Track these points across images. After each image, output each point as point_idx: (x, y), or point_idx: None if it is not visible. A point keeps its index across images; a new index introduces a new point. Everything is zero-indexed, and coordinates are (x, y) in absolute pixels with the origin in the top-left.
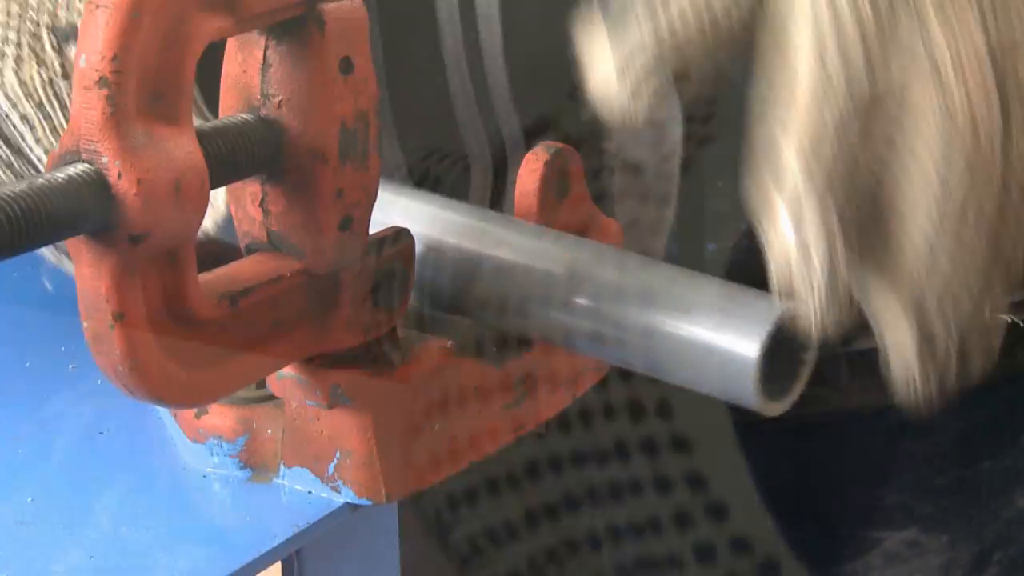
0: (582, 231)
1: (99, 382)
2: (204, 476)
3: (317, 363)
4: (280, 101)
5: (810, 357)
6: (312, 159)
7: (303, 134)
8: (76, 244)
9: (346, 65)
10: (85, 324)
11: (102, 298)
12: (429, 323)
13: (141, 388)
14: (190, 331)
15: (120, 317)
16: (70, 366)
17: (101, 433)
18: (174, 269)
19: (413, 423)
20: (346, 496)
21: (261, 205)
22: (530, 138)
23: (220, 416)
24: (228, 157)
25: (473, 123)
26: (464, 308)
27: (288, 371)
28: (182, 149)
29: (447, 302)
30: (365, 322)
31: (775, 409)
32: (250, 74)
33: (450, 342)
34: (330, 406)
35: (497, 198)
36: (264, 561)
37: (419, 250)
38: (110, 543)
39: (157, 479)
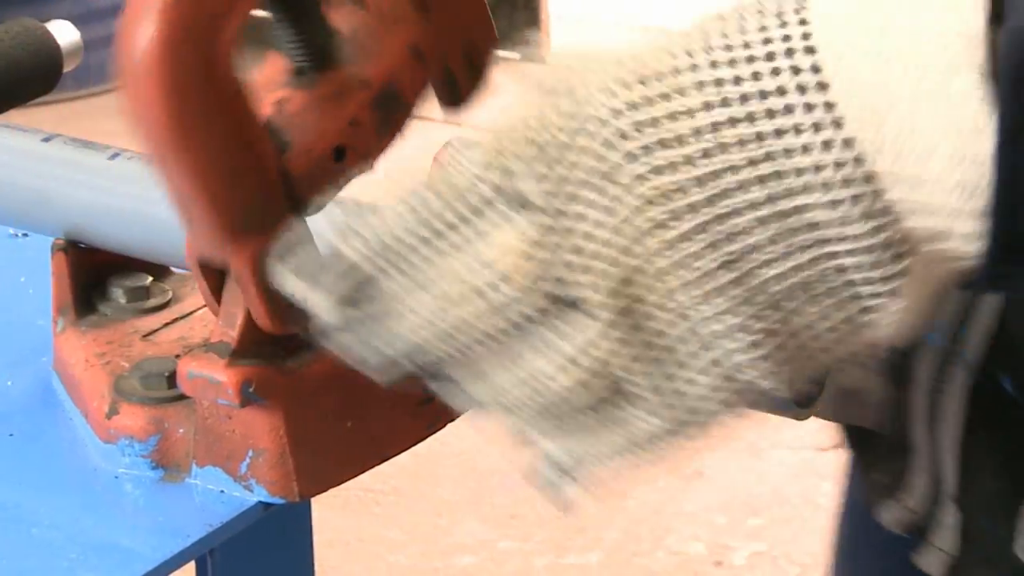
0: None
1: (9, 383)
2: (116, 477)
3: (228, 361)
4: None
5: None
6: None
7: None
8: None
9: None
10: None
11: None
12: None
13: None
14: None
15: None
16: None
17: (11, 435)
18: None
19: (325, 421)
20: (259, 495)
21: None
22: None
23: (131, 416)
24: None
25: None
26: None
27: (199, 370)
28: None
29: None
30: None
31: (806, 415)
32: None
33: None
34: (242, 405)
35: None
36: (177, 561)
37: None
38: (20, 546)
39: (68, 481)
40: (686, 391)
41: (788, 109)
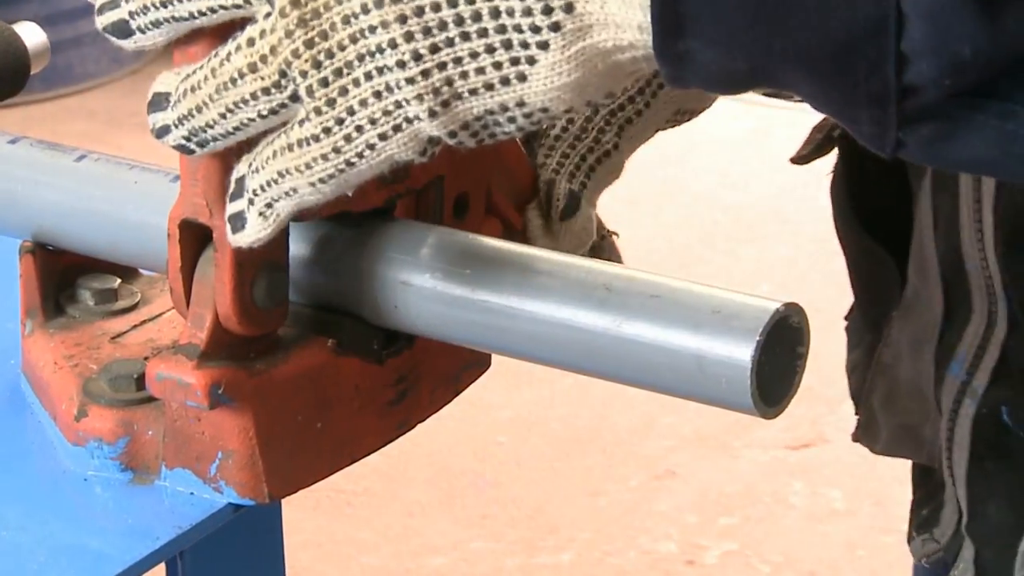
0: None
1: None
2: (85, 479)
3: (197, 363)
4: None
5: (806, 349)
6: None
7: None
8: None
9: None
10: None
11: None
12: (311, 321)
13: None
14: None
15: None
16: None
17: None
18: None
19: (295, 422)
20: (228, 496)
21: None
22: None
23: (100, 418)
24: None
25: None
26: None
27: (168, 372)
28: None
29: (330, 299)
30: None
31: (774, 413)
32: None
33: (331, 340)
34: (211, 407)
35: None
36: (147, 563)
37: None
38: None
39: (36, 484)
40: (342, 101)
41: None
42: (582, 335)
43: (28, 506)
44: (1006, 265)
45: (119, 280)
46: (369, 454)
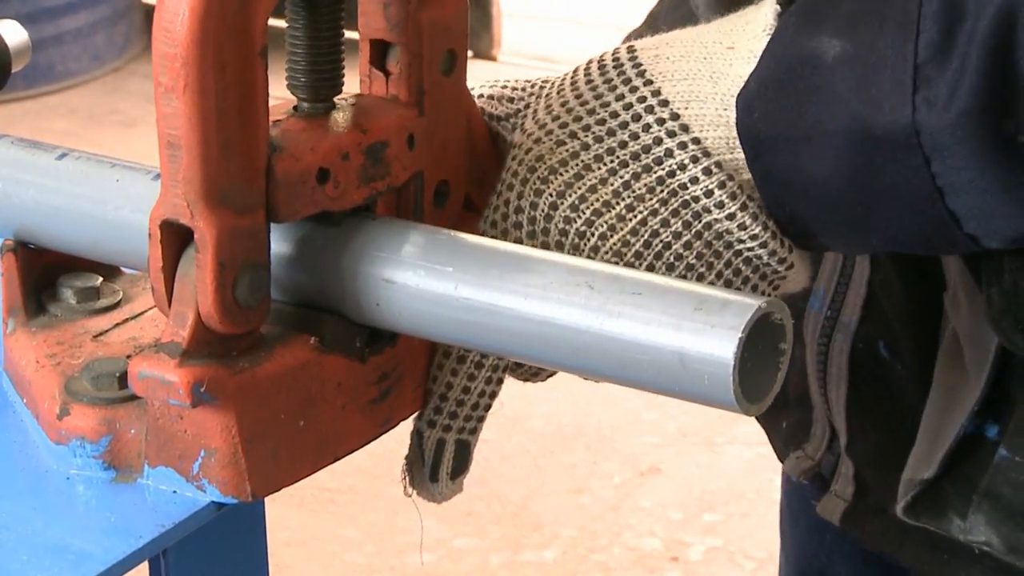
0: None
1: None
2: (67, 478)
3: (179, 361)
4: None
5: (788, 346)
6: None
7: None
8: None
9: None
10: None
11: None
12: (293, 319)
13: None
14: None
15: None
16: None
17: None
18: None
19: (277, 420)
20: (211, 495)
21: None
22: None
23: (82, 417)
24: None
25: None
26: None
27: (150, 370)
28: None
29: (314, 298)
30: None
31: (756, 410)
32: None
33: (314, 339)
34: (193, 405)
35: None
36: (130, 562)
37: (286, 247)
38: None
39: (19, 482)
40: None
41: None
42: (564, 332)
43: (10, 505)
44: None
45: (101, 278)
46: (352, 452)
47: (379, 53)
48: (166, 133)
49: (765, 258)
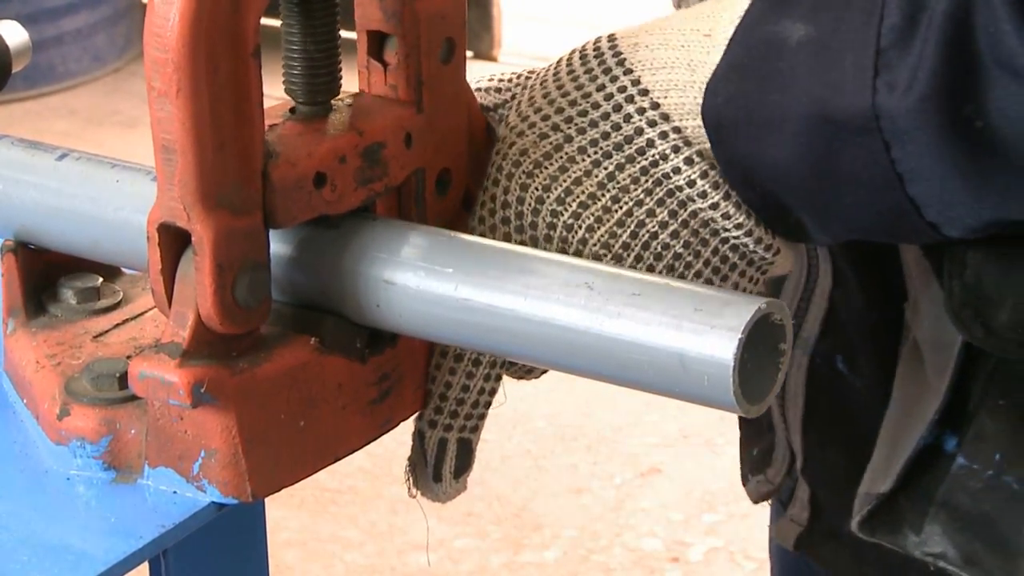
0: None
1: None
2: (68, 478)
3: (179, 362)
4: None
5: (788, 346)
6: None
7: None
8: None
9: None
10: None
11: None
12: (293, 320)
13: None
14: None
15: None
16: None
17: None
18: None
19: (278, 421)
20: (212, 495)
21: None
22: None
23: (83, 417)
24: None
25: None
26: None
27: (151, 370)
28: None
29: (314, 298)
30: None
31: (756, 411)
32: None
33: (314, 339)
34: (193, 405)
35: None
36: (130, 562)
37: (285, 247)
38: None
39: (19, 483)
40: None
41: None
42: (565, 333)
43: (10, 505)
44: None
45: (101, 279)
46: (353, 452)
47: (377, 44)
48: (161, 137)
49: (751, 245)
